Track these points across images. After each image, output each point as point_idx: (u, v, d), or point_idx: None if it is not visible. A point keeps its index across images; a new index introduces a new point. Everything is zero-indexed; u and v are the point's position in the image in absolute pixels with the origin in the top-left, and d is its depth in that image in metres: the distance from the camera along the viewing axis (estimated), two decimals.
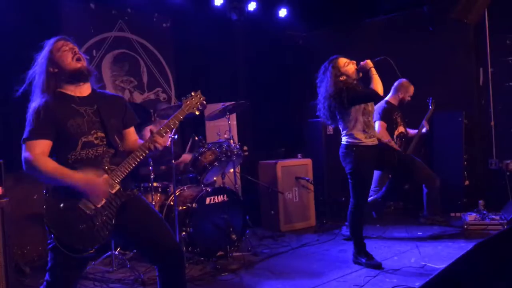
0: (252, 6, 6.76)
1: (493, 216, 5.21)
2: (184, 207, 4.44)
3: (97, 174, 2.48)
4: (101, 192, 2.45)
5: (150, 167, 4.58)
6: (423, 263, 4.16)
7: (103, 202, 2.48)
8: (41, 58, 2.61)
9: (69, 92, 2.62)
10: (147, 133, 5.10)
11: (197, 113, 2.76)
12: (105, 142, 2.59)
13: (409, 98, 5.55)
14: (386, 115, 5.39)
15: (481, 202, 5.44)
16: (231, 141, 4.90)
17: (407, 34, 6.64)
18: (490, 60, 6.08)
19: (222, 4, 6.48)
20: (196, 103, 2.74)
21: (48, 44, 2.63)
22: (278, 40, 7.39)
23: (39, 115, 2.47)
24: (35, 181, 4.64)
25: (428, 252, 4.47)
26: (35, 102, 2.54)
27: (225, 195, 4.62)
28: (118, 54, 5.97)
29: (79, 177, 2.41)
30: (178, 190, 4.63)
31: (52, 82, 2.59)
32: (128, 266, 4.27)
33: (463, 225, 5.29)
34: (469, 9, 5.11)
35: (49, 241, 2.45)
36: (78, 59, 2.62)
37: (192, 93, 2.75)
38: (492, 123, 6.07)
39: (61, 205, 2.42)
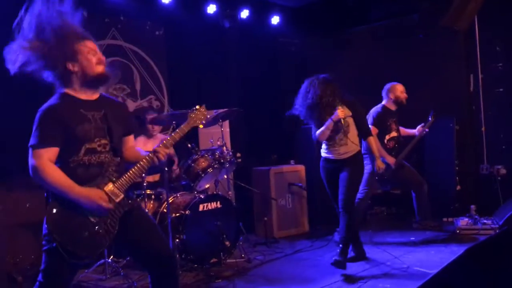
0: (244, 14, 6.80)
1: (485, 221, 5.24)
2: (177, 214, 4.43)
3: (101, 187, 2.45)
4: (103, 209, 2.42)
5: (143, 174, 4.56)
6: (416, 268, 4.19)
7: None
8: (59, 43, 2.45)
9: (77, 95, 2.52)
10: (139, 143, 5.09)
11: (201, 126, 2.82)
12: (107, 149, 2.53)
13: (404, 95, 5.33)
14: (379, 121, 5.24)
15: (473, 207, 5.48)
16: (224, 148, 4.90)
17: (398, 42, 6.69)
18: (480, 66, 6.13)
19: (215, 12, 6.51)
20: (201, 117, 2.80)
21: (72, 34, 2.49)
22: (270, 47, 7.42)
23: (47, 121, 2.39)
24: (27, 190, 4.66)
25: (420, 257, 4.50)
26: (44, 105, 2.44)
27: (218, 202, 4.62)
28: (110, 62, 5.95)
29: (83, 194, 2.37)
30: (171, 197, 4.63)
31: (65, 80, 2.50)
32: (122, 274, 4.24)
33: (455, 230, 5.33)
34: (459, 16, 5.16)
35: (44, 243, 2.41)
36: (101, 62, 2.55)
37: (197, 107, 2.81)
38: (483, 128, 6.12)
39: (66, 212, 2.39)
